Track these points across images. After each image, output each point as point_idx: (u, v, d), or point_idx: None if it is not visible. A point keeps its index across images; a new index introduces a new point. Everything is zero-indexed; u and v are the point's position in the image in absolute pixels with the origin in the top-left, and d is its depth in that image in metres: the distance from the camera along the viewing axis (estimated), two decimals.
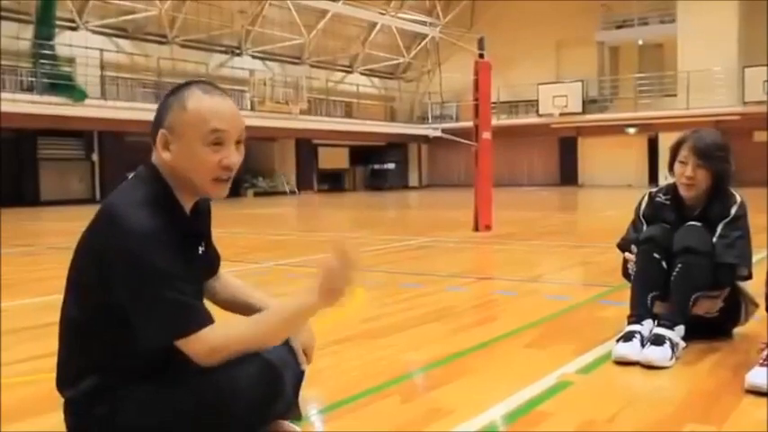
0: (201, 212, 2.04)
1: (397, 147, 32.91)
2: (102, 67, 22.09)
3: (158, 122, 1.89)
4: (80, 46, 21.85)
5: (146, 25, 24.69)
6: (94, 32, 23.12)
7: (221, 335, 1.83)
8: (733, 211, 3.25)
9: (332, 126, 28.03)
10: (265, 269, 6.50)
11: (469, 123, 10.66)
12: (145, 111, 19.79)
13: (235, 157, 1.89)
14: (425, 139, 30.29)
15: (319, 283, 1.85)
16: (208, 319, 1.84)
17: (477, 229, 9.77)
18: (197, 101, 1.86)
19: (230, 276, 2.25)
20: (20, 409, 2.55)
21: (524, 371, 2.94)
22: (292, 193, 27.77)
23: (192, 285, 1.86)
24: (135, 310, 1.80)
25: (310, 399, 2.44)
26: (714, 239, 3.21)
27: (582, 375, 2.90)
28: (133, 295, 1.78)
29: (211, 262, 2.14)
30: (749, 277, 3.29)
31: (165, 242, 1.80)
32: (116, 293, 1.80)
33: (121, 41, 24.12)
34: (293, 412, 2.08)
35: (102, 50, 22.17)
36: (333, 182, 30.98)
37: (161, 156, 1.88)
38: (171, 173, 1.89)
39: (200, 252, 2.02)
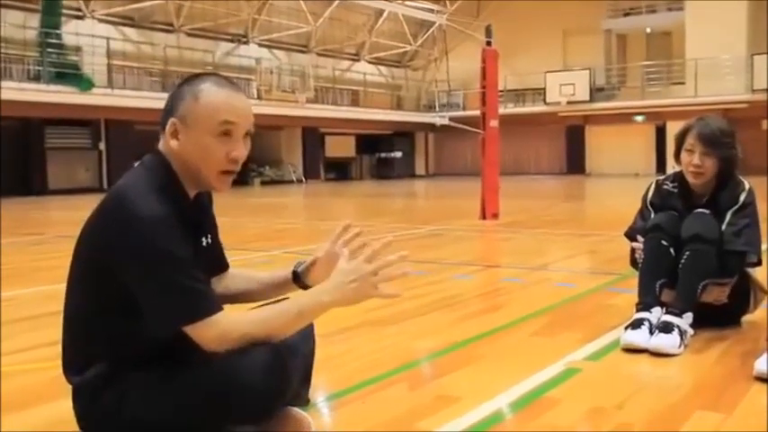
0: (203, 204, 2.04)
1: (403, 135, 32.85)
2: (109, 55, 22.07)
3: (169, 111, 1.90)
4: (86, 35, 21.84)
5: (152, 14, 24.66)
6: (101, 21, 23.11)
7: (231, 321, 1.83)
8: (742, 198, 3.23)
9: (339, 114, 27.99)
10: (272, 257, 6.51)
11: (476, 112, 10.63)
12: (152, 99, 19.81)
13: (242, 150, 1.90)
14: (432, 127, 30.08)
15: (341, 281, 1.87)
16: (218, 305, 1.83)
17: (483, 217, 9.77)
18: (210, 92, 1.87)
19: (239, 269, 2.25)
20: (22, 397, 2.56)
21: (532, 358, 2.94)
22: (299, 181, 27.77)
23: (200, 271, 1.86)
24: (145, 296, 1.79)
25: (318, 386, 2.44)
26: (723, 227, 3.19)
27: (590, 363, 2.89)
28: (143, 280, 1.78)
29: (217, 257, 2.14)
30: (758, 264, 3.28)
31: (175, 228, 1.80)
32: (125, 279, 1.79)
33: (128, 30, 24.09)
34: (301, 399, 2.08)
35: (108, 39, 22.15)
36: (340, 171, 30.95)
37: (169, 144, 1.89)
38: (178, 162, 1.90)
39: (204, 244, 2.02)
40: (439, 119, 16.78)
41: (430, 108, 31.95)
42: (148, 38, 24.45)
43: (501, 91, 14.83)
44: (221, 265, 2.17)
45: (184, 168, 1.90)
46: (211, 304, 1.82)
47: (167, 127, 1.88)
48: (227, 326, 1.81)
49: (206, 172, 1.89)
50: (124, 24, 23.97)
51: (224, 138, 1.86)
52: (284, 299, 2.00)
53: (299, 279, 2.16)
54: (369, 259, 1.88)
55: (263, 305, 2.01)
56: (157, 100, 19.74)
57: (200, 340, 1.80)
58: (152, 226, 1.76)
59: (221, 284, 2.15)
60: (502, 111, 12.30)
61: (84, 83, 20.15)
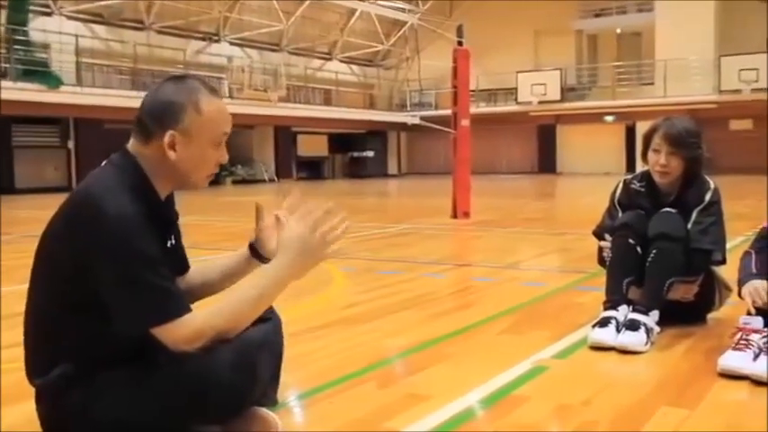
0: (171, 205, 2.05)
1: (376, 134, 32.84)
2: (78, 53, 21.80)
3: (166, 122, 1.87)
4: (54, 32, 21.55)
5: (122, 11, 24.39)
6: (69, 18, 22.81)
7: (201, 319, 1.82)
8: (707, 197, 3.29)
9: (311, 113, 27.91)
10: None
11: (448, 111, 10.67)
12: (122, 98, 19.61)
13: (226, 155, 1.99)
14: (404, 126, 30.18)
15: (293, 255, 1.89)
16: (188, 305, 1.84)
17: (455, 216, 9.80)
18: (209, 104, 1.91)
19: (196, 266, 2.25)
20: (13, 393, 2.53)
21: (501, 356, 2.96)
22: (271, 181, 27.64)
23: (170, 272, 1.86)
24: (115, 295, 1.78)
25: (287, 385, 2.44)
26: (689, 226, 3.25)
27: (558, 360, 2.92)
28: (114, 280, 1.77)
29: (180, 258, 2.14)
30: (723, 262, 3.34)
31: (146, 228, 1.80)
32: (94, 279, 1.77)
33: (97, 27, 23.81)
34: (269, 398, 2.08)
35: (77, 36, 21.88)
36: (312, 170, 30.86)
37: (166, 154, 1.87)
38: (162, 169, 1.90)
39: (168, 246, 2.01)
40: (410, 118, 16.82)
41: (402, 107, 32.00)
42: (118, 35, 24.18)
43: (473, 90, 14.85)
44: (184, 267, 2.17)
45: (169, 175, 1.91)
46: (182, 304, 1.82)
47: (166, 138, 1.86)
48: (198, 324, 1.81)
49: (196, 177, 1.95)
50: (93, 21, 23.68)
51: (217, 146, 1.94)
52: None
53: (255, 253, 2.16)
54: (313, 228, 1.91)
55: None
56: (127, 98, 19.63)
57: (171, 340, 1.79)
58: (123, 224, 1.75)
59: (183, 284, 2.14)
60: (474, 110, 12.36)
61: (52, 80, 19.87)
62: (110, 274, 1.76)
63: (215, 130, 1.91)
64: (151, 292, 1.77)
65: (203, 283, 2.17)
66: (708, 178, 3.37)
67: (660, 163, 3.27)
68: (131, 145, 1.92)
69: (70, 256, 1.80)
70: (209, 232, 8.46)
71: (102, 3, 23.31)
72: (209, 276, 2.18)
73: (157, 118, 1.88)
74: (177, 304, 1.81)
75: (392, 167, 34.60)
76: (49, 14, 22.34)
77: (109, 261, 1.76)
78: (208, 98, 1.90)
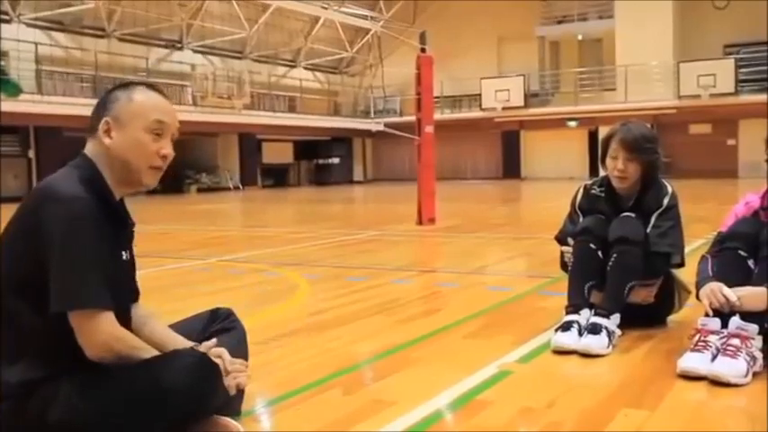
0: (127, 211, 2.09)
1: (341, 141, 32.83)
2: (38, 61, 21.48)
3: (101, 112, 2.00)
4: (12, 39, 21.20)
5: (83, 18, 24.10)
6: (28, 25, 22.46)
7: (117, 331, 1.87)
8: (665, 201, 3.35)
9: (275, 121, 27.80)
10: (207, 265, 6.44)
11: (413, 117, 10.72)
12: (82, 106, 19.35)
13: (171, 149, 2.05)
14: (369, 133, 30.23)
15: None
16: (110, 305, 1.87)
17: (420, 222, 9.83)
18: (143, 95, 2.03)
19: (155, 319, 2.22)
20: None
21: (466, 361, 2.99)
22: (236, 188, 27.47)
23: (109, 270, 1.89)
24: (54, 273, 1.81)
25: (252, 393, 2.44)
26: (648, 229, 3.31)
27: (522, 364, 2.96)
28: (57, 257, 1.81)
29: (132, 279, 2.14)
30: (682, 265, 3.40)
31: (96, 217, 1.87)
32: (48, 265, 1.81)
33: (57, 35, 23.48)
34: (233, 408, 2.08)
35: (36, 44, 21.57)
36: (277, 177, 30.74)
37: (103, 142, 1.98)
38: (107, 161, 1.98)
39: (124, 258, 2.03)
40: (375, 125, 16.87)
41: (367, 114, 32.00)
42: (78, 43, 23.86)
43: (437, 97, 14.96)
44: (135, 291, 2.16)
45: (114, 167, 1.99)
46: (106, 300, 1.85)
47: (101, 125, 1.98)
48: (112, 331, 1.85)
49: (137, 166, 1.99)
50: (53, 29, 23.35)
51: (155, 136, 2.00)
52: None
53: None
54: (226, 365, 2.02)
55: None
56: (88, 107, 19.12)
57: (84, 331, 1.82)
58: (75, 206, 1.83)
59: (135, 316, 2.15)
60: (438, 116, 12.44)
61: (11, 88, 19.55)
62: (55, 251, 1.81)
63: (146, 116, 2.00)
64: (81, 273, 1.81)
65: (141, 331, 2.12)
66: (665, 182, 3.43)
67: (618, 168, 3.33)
68: (87, 148, 2.03)
69: (29, 252, 1.84)
70: (172, 241, 8.38)
71: (63, 10, 22.99)
72: (152, 329, 2.15)
73: (96, 111, 2.02)
74: (100, 297, 1.84)
75: (358, 174, 34.61)
76: (7, 21, 21.99)
77: (57, 238, 1.81)
78: (143, 91, 2.04)
